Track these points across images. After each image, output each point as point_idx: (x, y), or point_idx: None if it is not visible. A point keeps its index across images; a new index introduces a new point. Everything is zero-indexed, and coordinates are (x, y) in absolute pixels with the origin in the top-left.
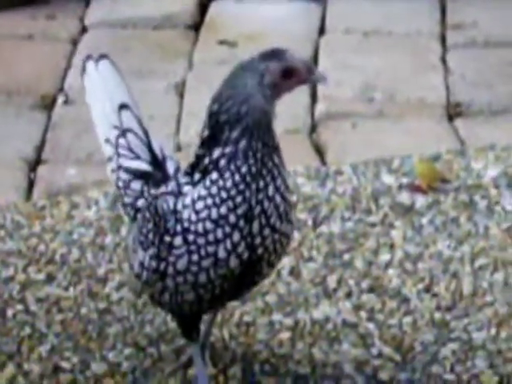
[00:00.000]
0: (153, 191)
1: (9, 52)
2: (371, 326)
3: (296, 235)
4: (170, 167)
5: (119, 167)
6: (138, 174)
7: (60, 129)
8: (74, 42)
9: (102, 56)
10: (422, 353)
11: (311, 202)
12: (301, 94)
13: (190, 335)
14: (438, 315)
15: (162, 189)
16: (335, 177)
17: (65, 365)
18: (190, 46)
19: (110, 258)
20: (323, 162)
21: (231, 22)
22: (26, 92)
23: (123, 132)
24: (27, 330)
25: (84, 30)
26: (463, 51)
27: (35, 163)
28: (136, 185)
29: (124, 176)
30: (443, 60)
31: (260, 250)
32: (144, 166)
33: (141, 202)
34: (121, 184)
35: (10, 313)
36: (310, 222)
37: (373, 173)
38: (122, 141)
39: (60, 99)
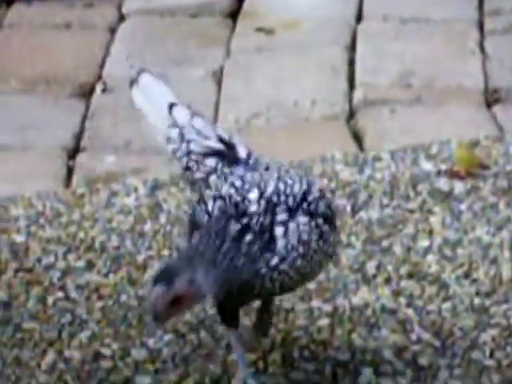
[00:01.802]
0: (226, 170)
1: (46, 41)
2: (410, 311)
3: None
4: (242, 151)
5: (189, 152)
6: (211, 152)
7: (98, 117)
8: (112, 31)
9: (142, 69)
10: (462, 338)
11: (349, 188)
12: (339, 80)
13: (230, 322)
14: (477, 301)
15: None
16: (373, 163)
17: (105, 351)
18: (228, 33)
19: (149, 245)
20: (361, 148)
21: (268, 10)
22: (65, 81)
23: (192, 115)
24: (68, 317)
25: (122, 18)
26: (501, 37)
27: (74, 151)
28: (210, 161)
29: (198, 149)
30: (481, 46)
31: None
32: (217, 144)
33: (213, 178)
34: (192, 163)
35: (50, 300)
36: (348, 208)
37: (411, 159)
38: (190, 127)
39: (98, 88)
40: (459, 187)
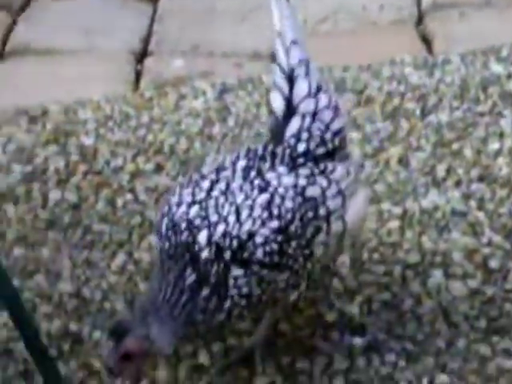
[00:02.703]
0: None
1: None
2: (481, 214)
3: (404, 125)
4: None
5: None
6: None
7: (166, 21)
8: None
9: None
10: None
11: (419, 92)
12: None
13: None
14: None
15: None
16: (443, 66)
17: None
18: None
19: (217, 148)
20: (430, 51)
21: None
22: None
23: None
24: (137, 219)
25: None
26: None
27: (142, 55)
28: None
29: None
30: None
31: None
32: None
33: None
34: None
35: (119, 202)
36: (418, 112)
37: (481, 62)
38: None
39: None
40: None
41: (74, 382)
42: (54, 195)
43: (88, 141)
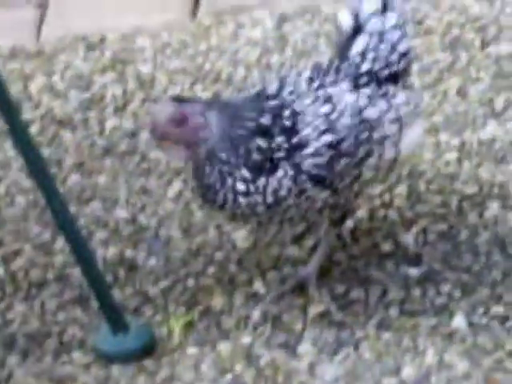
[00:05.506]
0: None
1: None
2: None
3: (463, 56)
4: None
5: None
6: None
7: None
8: None
9: None
10: None
11: (479, 23)
12: None
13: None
14: None
15: None
16: None
17: None
18: None
19: (275, 77)
20: None
21: None
22: None
23: None
24: None
25: None
26: None
27: None
28: None
29: None
30: None
31: None
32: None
33: None
34: None
35: None
36: (477, 43)
37: None
38: None
39: None
40: None
41: (129, 309)
42: (112, 122)
43: (145, 69)
